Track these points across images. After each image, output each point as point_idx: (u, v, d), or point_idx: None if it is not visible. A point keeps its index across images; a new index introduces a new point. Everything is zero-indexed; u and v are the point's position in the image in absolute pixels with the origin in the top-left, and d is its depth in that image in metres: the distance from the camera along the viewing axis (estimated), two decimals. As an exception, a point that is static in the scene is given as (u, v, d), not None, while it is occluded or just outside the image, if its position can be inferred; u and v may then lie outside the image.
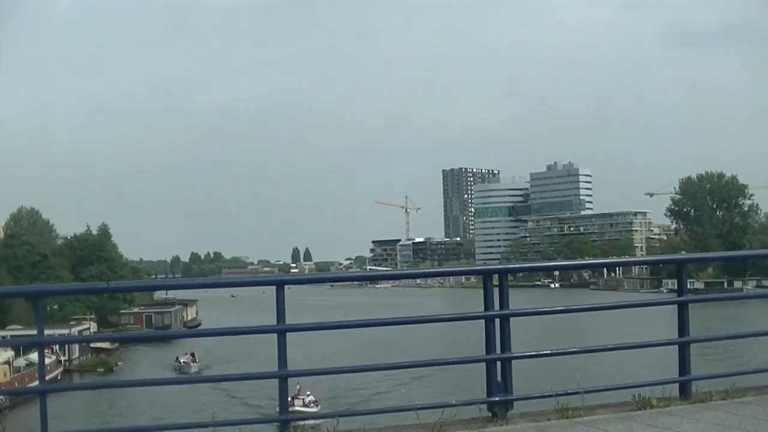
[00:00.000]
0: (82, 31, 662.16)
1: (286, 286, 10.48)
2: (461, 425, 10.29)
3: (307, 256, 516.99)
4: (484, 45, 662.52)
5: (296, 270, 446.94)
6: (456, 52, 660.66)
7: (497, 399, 10.57)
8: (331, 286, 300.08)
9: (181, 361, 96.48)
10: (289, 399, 52.02)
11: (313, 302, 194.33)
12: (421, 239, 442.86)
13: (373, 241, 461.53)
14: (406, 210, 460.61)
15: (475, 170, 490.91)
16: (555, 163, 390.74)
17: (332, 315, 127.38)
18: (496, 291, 10.70)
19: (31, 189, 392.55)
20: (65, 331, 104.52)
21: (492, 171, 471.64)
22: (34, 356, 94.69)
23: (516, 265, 15.52)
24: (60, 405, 76.55)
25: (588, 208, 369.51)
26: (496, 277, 10.90)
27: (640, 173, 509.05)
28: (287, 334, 10.24)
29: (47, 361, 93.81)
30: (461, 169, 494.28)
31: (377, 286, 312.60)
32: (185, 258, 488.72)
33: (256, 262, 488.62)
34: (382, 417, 11.20)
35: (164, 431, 22.19)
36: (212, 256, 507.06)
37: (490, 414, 10.58)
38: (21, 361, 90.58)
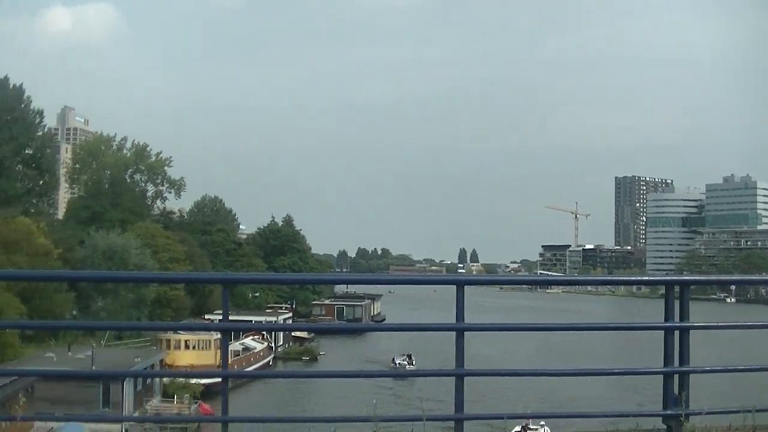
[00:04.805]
0: (246, 28, 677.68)
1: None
2: None
3: (474, 258, 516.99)
4: (655, 49, 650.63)
5: (463, 270, 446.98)
6: (627, 56, 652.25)
7: None
8: (501, 288, 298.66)
9: (397, 362, 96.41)
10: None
11: (494, 303, 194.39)
12: (591, 246, 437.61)
13: (542, 246, 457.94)
14: (576, 216, 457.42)
15: (648, 179, 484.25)
16: (732, 174, 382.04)
17: (540, 317, 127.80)
18: None
19: (204, 177, 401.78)
20: (273, 319, 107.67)
21: (665, 180, 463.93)
22: (247, 341, 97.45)
23: None
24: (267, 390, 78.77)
25: (765, 223, 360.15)
26: None
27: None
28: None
29: (259, 347, 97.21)
30: (634, 177, 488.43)
31: (547, 290, 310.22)
32: (351, 253, 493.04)
33: (422, 260, 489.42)
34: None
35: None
36: (379, 252, 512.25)
37: None
38: (237, 346, 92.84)
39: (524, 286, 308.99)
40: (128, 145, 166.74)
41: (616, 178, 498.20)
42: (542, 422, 55.12)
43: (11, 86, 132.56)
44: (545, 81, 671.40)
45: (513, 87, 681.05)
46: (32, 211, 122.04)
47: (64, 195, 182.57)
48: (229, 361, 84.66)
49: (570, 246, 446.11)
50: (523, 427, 55.37)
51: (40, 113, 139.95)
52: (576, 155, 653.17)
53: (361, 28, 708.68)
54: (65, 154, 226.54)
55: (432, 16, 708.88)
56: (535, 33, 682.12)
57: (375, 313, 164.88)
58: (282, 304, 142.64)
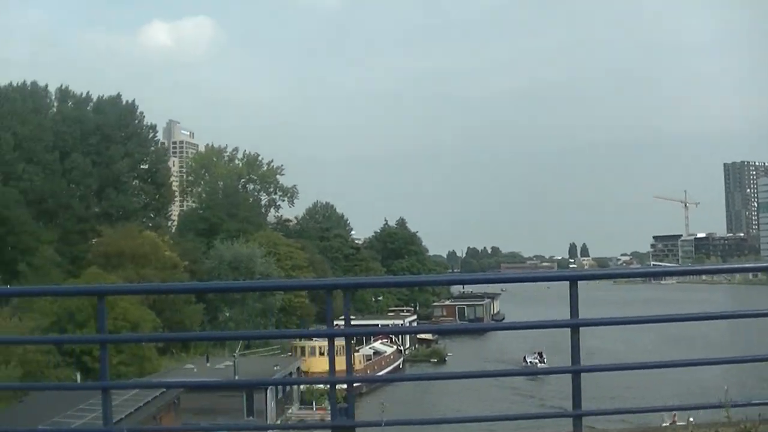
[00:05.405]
0: (348, 26, 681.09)
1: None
2: None
3: (585, 252, 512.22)
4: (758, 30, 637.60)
5: (574, 265, 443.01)
6: (729, 40, 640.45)
7: None
8: (614, 282, 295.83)
9: (528, 360, 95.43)
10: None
11: (611, 297, 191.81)
12: (703, 235, 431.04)
13: (654, 237, 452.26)
14: (686, 205, 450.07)
15: (758, 163, 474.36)
16: None
17: (645, 309, 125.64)
18: None
19: (309, 183, 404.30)
20: (399, 322, 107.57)
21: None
22: (377, 345, 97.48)
23: None
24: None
25: None
26: None
27: None
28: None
29: (389, 351, 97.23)
30: (743, 162, 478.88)
31: (662, 282, 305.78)
32: (459, 253, 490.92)
33: (532, 257, 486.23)
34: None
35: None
36: (489, 251, 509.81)
37: None
38: (367, 350, 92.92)
39: (638, 278, 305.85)
40: (239, 155, 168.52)
41: (724, 164, 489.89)
42: (691, 418, 53.12)
43: (124, 103, 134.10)
44: (648, 70, 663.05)
45: (618, 77, 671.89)
46: (150, 225, 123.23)
47: (173, 208, 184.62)
48: (362, 366, 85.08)
49: (681, 236, 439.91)
50: (672, 422, 53.59)
51: (153, 128, 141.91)
52: (682, 143, 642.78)
53: (463, 23, 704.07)
54: (172, 167, 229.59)
55: (537, 7, 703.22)
56: (635, 21, 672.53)
57: (494, 312, 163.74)
58: (402, 306, 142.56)
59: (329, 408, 55.81)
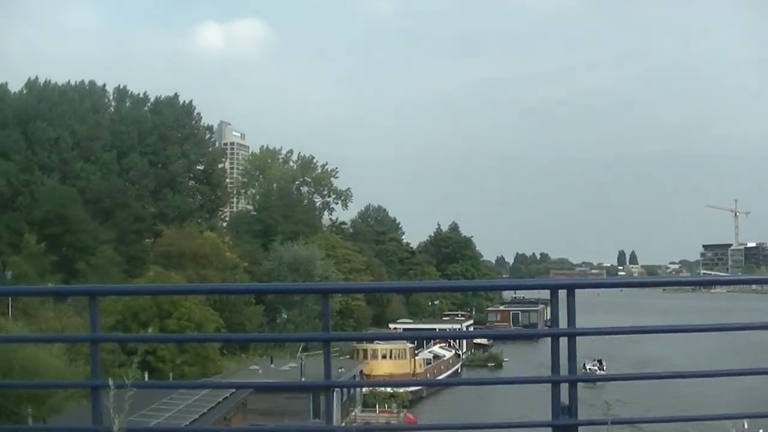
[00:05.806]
0: (402, 32, 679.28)
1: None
2: None
3: (633, 259, 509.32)
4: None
5: (623, 273, 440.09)
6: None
7: None
8: (664, 290, 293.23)
9: (587, 367, 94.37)
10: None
11: (662, 305, 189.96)
12: (753, 244, 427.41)
13: (703, 245, 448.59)
14: (736, 214, 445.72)
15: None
16: None
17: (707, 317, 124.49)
18: None
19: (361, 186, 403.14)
20: (457, 326, 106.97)
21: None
22: (436, 349, 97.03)
23: None
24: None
25: None
26: None
27: None
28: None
29: (448, 355, 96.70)
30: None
31: (711, 290, 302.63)
32: (508, 258, 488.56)
33: (581, 264, 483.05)
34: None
35: None
36: (538, 257, 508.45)
37: None
38: (427, 354, 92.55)
39: (687, 287, 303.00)
40: (294, 157, 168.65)
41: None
42: (761, 429, 51.49)
43: (181, 103, 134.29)
44: (702, 80, 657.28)
45: (672, 86, 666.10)
46: (205, 226, 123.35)
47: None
48: (423, 369, 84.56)
49: (731, 245, 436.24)
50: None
51: (210, 129, 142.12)
52: (734, 153, 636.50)
53: (516, 30, 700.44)
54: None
55: (593, 18, 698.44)
56: (690, 32, 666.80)
57: (547, 318, 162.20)
58: (458, 311, 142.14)
59: (395, 410, 55.27)
